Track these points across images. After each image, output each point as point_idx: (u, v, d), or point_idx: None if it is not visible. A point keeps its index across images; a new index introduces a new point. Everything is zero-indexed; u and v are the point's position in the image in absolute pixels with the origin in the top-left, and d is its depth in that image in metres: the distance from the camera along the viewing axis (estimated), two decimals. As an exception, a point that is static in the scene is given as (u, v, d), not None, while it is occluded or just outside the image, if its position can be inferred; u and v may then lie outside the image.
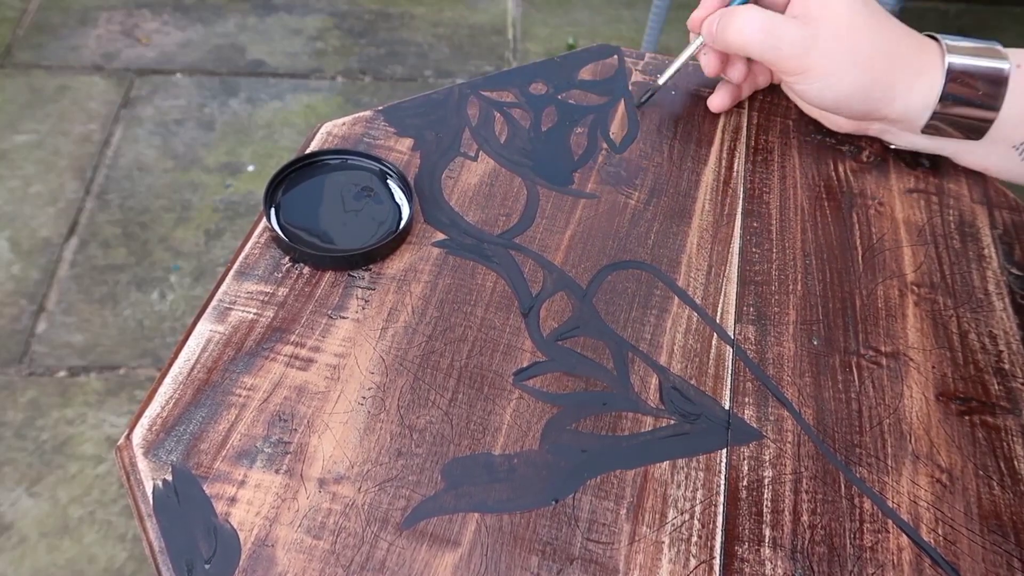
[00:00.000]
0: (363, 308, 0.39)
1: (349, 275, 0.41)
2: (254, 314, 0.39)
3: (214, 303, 0.39)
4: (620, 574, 0.32)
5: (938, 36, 0.44)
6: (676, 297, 0.41)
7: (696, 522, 0.33)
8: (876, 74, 0.42)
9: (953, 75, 0.42)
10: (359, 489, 0.33)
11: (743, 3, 0.46)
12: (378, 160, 0.45)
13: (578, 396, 0.37)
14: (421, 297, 0.40)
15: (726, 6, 0.47)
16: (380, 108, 0.49)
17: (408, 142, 0.47)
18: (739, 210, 0.45)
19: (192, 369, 0.36)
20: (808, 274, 0.43)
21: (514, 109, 0.50)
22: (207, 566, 0.31)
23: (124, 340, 1.22)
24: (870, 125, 0.48)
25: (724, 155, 0.48)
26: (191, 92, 1.60)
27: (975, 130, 0.44)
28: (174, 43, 1.70)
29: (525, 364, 0.38)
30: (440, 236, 0.43)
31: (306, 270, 0.41)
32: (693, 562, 0.32)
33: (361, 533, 0.32)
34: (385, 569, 0.31)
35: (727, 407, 0.37)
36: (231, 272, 0.40)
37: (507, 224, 0.43)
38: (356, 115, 0.49)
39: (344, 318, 0.39)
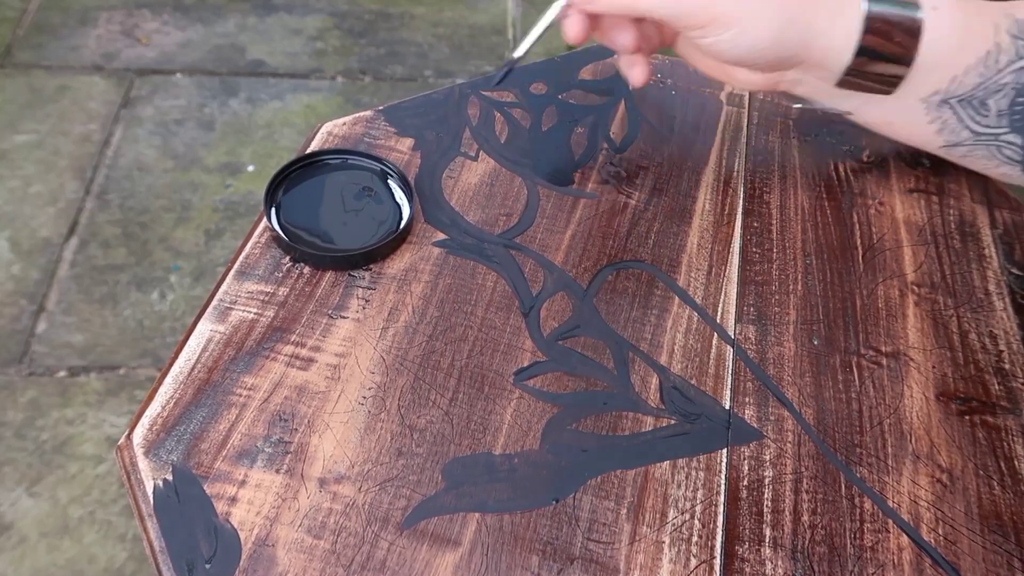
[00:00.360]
0: (363, 308, 0.39)
1: (349, 275, 0.41)
2: (255, 314, 0.39)
3: (215, 303, 0.39)
4: (620, 574, 0.32)
5: None
6: (676, 297, 0.41)
7: (696, 522, 0.33)
8: (792, 12, 0.38)
9: (872, 20, 0.38)
10: (360, 489, 0.33)
11: None
12: (379, 160, 0.45)
13: (578, 396, 0.37)
14: (421, 297, 0.40)
15: None
16: (380, 108, 0.49)
17: (408, 142, 0.47)
18: (739, 210, 0.45)
19: (193, 369, 0.36)
20: (808, 274, 0.43)
21: (514, 109, 0.50)
22: (208, 566, 0.31)
23: (124, 340, 1.22)
24: (783, 76, 0.43)
25: (724, 155, 0.48)
26: (191, 92, 1.60)
27: (889, 83, 0.41)
28: (174, 43, 1.70)
29: (525, 364, 0.38)
30: (440, 236, 0.43)
31: (306, 270, 0.41)
32: (693, 562, 0.32)
33: (362, 533, 0.32)
34: (386, 569, 0.31)
35: (727, 407, 0.37)
36: (231, 272, 0.40)
37: (507, 224, 0.43)
38: (356, 115, 0.49)
39: (344, 318, 0.39)
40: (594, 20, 0.41)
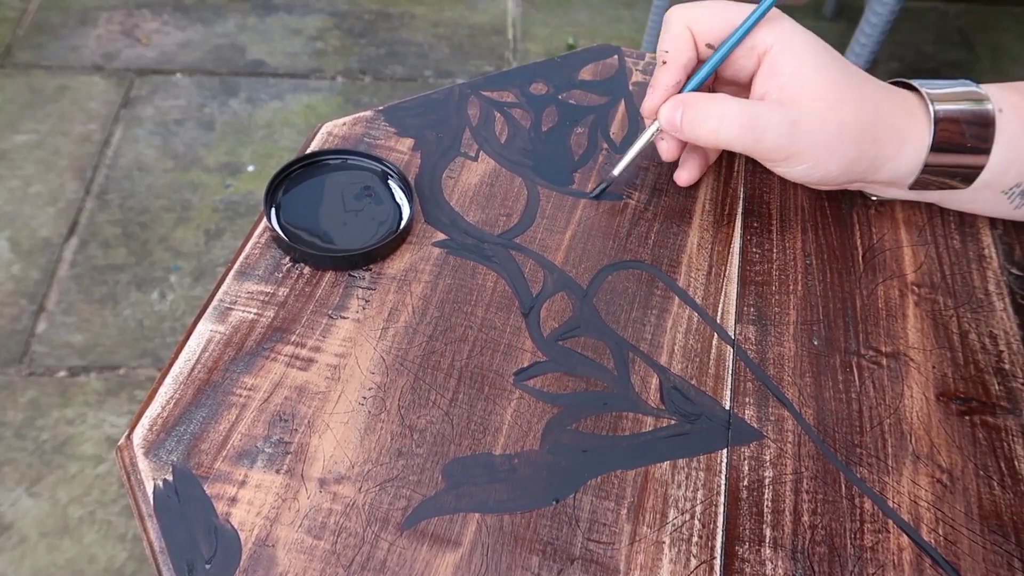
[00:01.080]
0: (363, 308, 0.39)
1: (349, 275, 0.41)
2: (254, 314, 0.39)
3: (214, 303, 0.39)
4: (621, 574, 0.32)
5: (915, 84, 0.42)
6: (676, 297, 0.41)
7: (697, 522, 0.33)
8: (863, 149, 0.40)
9: (941, 125, 0.40)
10: (360, 489, 0.33)
11: (700, 83, 0.42)
12: (379, 160, 0.45)
13: (578, 396, 0.37)
14: (421, 297, 0.40)
15: (680, 89, 0.42)
16: (380, 108, 0.49)
17: (408, 142, 0.47)
18: (739, 210, 0.45)
19: (192, 369, 0.36)
20: (808, 274, 0.43)
21: (514, 109, 0.50)
22: (208, 566, 0.31)
23: (124, 340, 1.22)
24: (853, 185, 0.45)
25: (724, 155, 0.48)
26: (191, 92, 1.60)
27: (965, 178, 0.42)
28: (174, 43, 1.70)
29: (525, 364, 0.38)
30: (440, 236, 0.43)
31: (306, 270, 0.41)
32: (694, 562, 0.32)
33: (362, 533, 0.32)
34: (386, 569, 0.31)
35: (728, 407, 0.37)
36: (231, 272, 0.40)
37: (507, 224, 0.43)
38: (356, 115, 0.49)
39: (344, 318, 0.39)
40: (683, 142, 0.44)
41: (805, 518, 0.34)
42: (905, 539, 0.33)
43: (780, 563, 0.32)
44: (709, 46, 0.42)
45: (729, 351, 0.39)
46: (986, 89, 0.41)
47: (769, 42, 0.40)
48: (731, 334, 0.40)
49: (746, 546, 0.33)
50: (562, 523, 0.33)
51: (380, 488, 0.33)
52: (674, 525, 0.33)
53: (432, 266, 0.41)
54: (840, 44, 1.61)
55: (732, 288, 0.42)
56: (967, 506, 0.34)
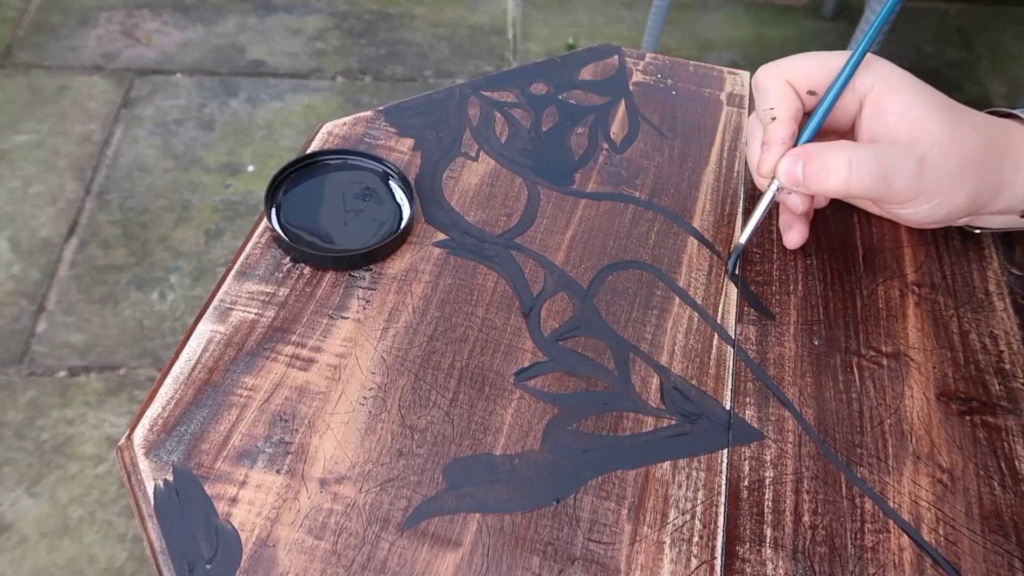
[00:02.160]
0: (364, 308, 0.39)
1: (350, 275, 0.41)
2: (255, 314, 0.39)
3: (215, 303, 0.39)
4: (621, 574, 0.32)
5: (1015, 112, 0.41)
6: (677, 297, 0.41)
7: (697, 522, 0.33)
8: (984, 178, 0.39)
9: None
10: (360, 489, 0.33)
11: (815, 132, 0.40)
12: (379, 160, 0.45)
13: (579, 396, 0.37)
14: (422, 297, 0.40)
15: (794, 142, 0.40)
16: (381, 108, 0.49)
17: (409, 142, 0.47)
18: (740, 210, 0.45)
19: (193, 369, 0.36)
20: (809, 274, 0.43)
21: (515, 109, 0.50)
22: (208, 566, 0.31)
23: (124, 340, 1.22)
24: (963, 219, 0.44)
25: (725, 155, 0.48)
26: (191, 92, 1.60)
27: None
28: (174, 43, 1.70)
29: (526, 364, 0.38)
30: (441, 236, 0.43)
31: (307, 270, 0.41)
32: (694, 562, 0.32)
33: (362, 533, 0.32)
34: (386, 569, 0.31)
35: (728, 407, 0.37)
36: (232, 272, 0.40)
37: (508, 224, 0.43)
38: (357, 115, 0.49)
39: (345, 318, 0.39)
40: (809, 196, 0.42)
41: (806, 518, 0.34)
42: (906, 539, 0.33)
43: (781, 563, 0.32)
44: (811, 92, 0.41)
45: (730, 351, 0.39)
46: None
47: (868, 84, 0.40)
48: (732, 334, 0.40)
49: (747, 546, 0.33)
50: (563, 523, 0.33)
51: (381, 488, 0.33)
52: (675, 525, 0.33)
53: (433, 266, 0.41)
54: (840, 44, 1.61)
55: (732, 288, 0.42)
56: (968, 506, 0.34)
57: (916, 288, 0.42)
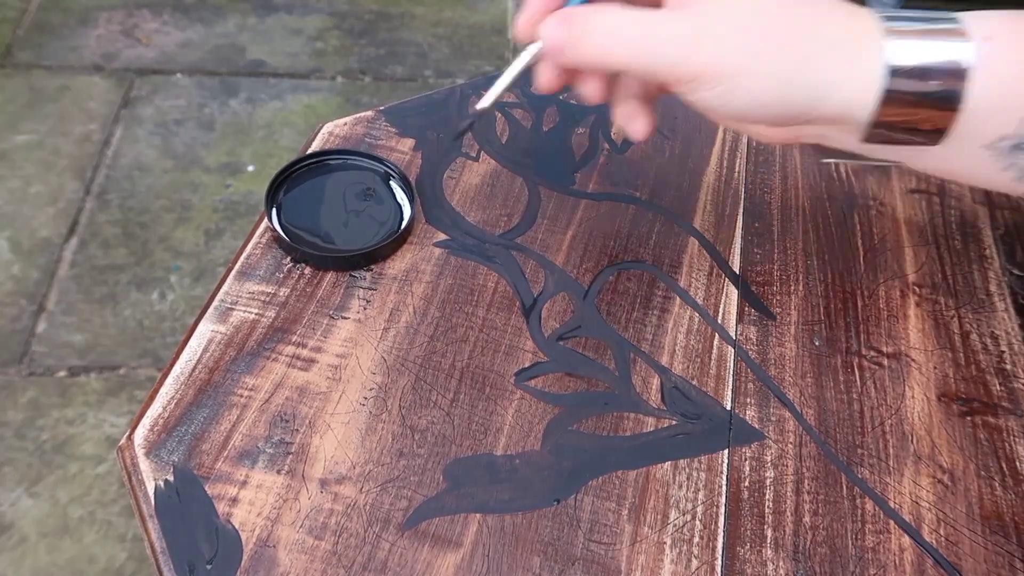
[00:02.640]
0: (364, 308, 0.39)
1: (351, 275, 0.40)
2: (255, 314, 0.39)
3: (215, 303, 0.39)
4: (622, 575, 0.32)
5: (870, 11, 0.33)
6: (678, 297, 0.41)
7: (698, 523, 0.33)
8: (793, 65, 0.31)
9: (897, 70, 0.31)
10: (361, 489, 0.33)
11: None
12: (380, 160, 0.45)
13: (580, 396, 0.37)
14: (423, 297, 0.40)
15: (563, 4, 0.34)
16: (381, 108, 0.49)
17: (409, 142, 0.47)
18: (740, 210, 0.45)
19: (194, 369, 0.36)
20: (809, 274, 0.42)
21: (515, 109, 0.50)
22: (209, 567, 0.31)
23: (124, 340, 1.22)
24: (801, 131, 0.37)
25: (725, 155, 0.48)
26: (191, 92, 1.60)
27: (931, 136, 0.33)
28: (174, 43, 1.70)
29: (527, 364, 0.38)
30: (441, 236, 0.43)
31: (307, 270, 0.41)
32: (695, 563, 0.32)
33: (363, 534, 0.32)
34: (387, 570, 0.31)
35: (729, 408, 0.37)
36: (232, 272, 0.40)
37: (508, 224, 0.43)
38: (357, 115, 0.49)
39: (346, 318, 0.39)
40: (567, 70, 0.36)
41: (806, 519, 0.34)
42: (906, 540, 0.33)
43: (781, 564, 0.32)
44: None
45: (730, 351, 0.39)
46: (972, 22, 0.32)
47: None
48: (732, 334, 0.40)
49: (747, 547, 0.33)
50: (563, 524, 0.33)
51: (381, 488, 0.33)
52: (675, 526, 0.33)
53: (433, 266, 0.41)
54: (840, 44, 1.61)
55: (733, 288, 0.42)
56: (968, 506, 0.34)
57: (917, 288, 0.42)
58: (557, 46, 0.33)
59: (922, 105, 0.32)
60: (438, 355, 0.38)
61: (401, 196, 0.44)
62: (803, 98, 0.32)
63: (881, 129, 0.33)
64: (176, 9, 1.78)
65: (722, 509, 0.34)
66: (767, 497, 0.34)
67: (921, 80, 0.31)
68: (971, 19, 0.32)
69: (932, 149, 0.34)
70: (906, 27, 0.32)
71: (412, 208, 0.42)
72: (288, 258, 0.41)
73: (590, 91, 0.36)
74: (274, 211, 0.42)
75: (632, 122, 0.37)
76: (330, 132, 0.47)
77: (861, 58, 0.31)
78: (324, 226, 0.42)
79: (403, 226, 0.42)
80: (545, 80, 0.35)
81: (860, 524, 0.34)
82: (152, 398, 0.35)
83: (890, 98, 0.31)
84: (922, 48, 0.31)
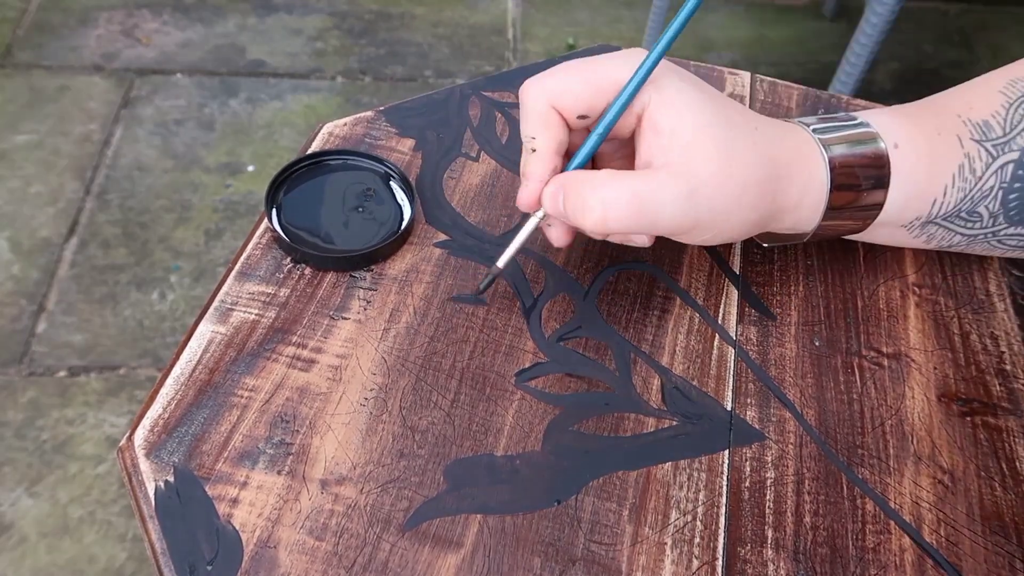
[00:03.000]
0: (365, 309, 0.39)
1: (351, 276, 0.40)
2: (256, 315, 0.39)
3: (215, 304, 0.39)
4: (623, 575, 0.32)
5: (807, 125, 0.38)
6: (678, 298, 0.41)
7: (699, 523, 0.33)
8: (763, 206, 0.36)
9: (836, 171, 0.37)
10: (361, 490, 0.33)
11: (583, 163, 0.37)
12: (380, 160, 0.45)
13: (580, 397, 0.37)
14: (423, 298, 0.40)
15: (561, 168, 0.37)
16: (381, 108, 0.49)
17: (409, 143, 0.47)
18: (741, 211, 0.45)
19: (194, 370, 0.36)
20: (810, 275, 0.43)
21: (515, 109, 0.50)
22: (209, 567, 0.31)
23: (124, 340, 1.22)
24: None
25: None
26: (191, 92, 1.60)
27: (863, 219, 0.39)
28: (174, 43, 1.70)
29: (527, 365, 0.38)
30: (442, 237, 0.43)
31: (308, 271, 0.41)
32: (696, 563, 0.32)
33: (363, 534, 0.32)
34: (387, 570, 0.31)
35: (729, 408, 0.37)
36: (232, 273, 0.40)
37: (509, 224, 0.43)
38: (357, 115, 0.49)
39: (346, 319, 0.39)
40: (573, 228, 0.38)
41: (807, 519, 0.34)
42: (907, 540, 0.33)
43: (782, 564, 0.32)
44: (582, 117, 0.37)
45: (731, 352, 0.39)
46: (877, 122, 0.38)
47: (644, 99, 0.35)
48: (732, 335, 0.40)
49: (748, 547, 0.33)
50: (564, 524, 0.33)
51: (382, 489, 0.33)
52: (676, 526, 0.33)
53: (433, 267, 0.41)
54: (840, 44, 1.61)
55: (733, 289, 0.42)
56: (969, 507, 0.34)
57: (917, 289, 0.42)
58: (561, 214, 0.36)
59: (855, 211, 0.38)
60: (438, 356, 0.38)
61: (401, 196, 0.44)
62: (765, 224, 0.38)
63: (825, 225, 0.39)
64: (176, 9, 1.78)
65: (723, 509, 0.34)
66: (768, 497, 0.34)
67: (856, 191, 0.38)
68: (875, 123, 0.38)
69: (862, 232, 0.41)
70: (836, 137, 0.38)
71: (412, 208, 0.42)
72: (288, 258, 0.41)
73: (557, 238, 0.38)
74: (274, 211, 0.42)
75: (551, 230, 0.39)
76: (330, 132, 0.47)
77: (812, 186, 0.37)
78: (324, 226, 0.42)
79: (403, 226, 0.42)
80: (556, 238, 0.38)
81: (860, 524, 0.34)
82: (152, 399, 0.35)
83: (831, 213, 0.38)
84: (854, 155, 0.37)
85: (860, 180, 0.37)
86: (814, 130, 0.38)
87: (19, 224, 1.35)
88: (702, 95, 0.36)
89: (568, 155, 0.38)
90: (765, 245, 0.44)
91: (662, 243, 0.43)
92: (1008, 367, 0.39)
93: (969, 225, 0.39)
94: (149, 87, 1.60)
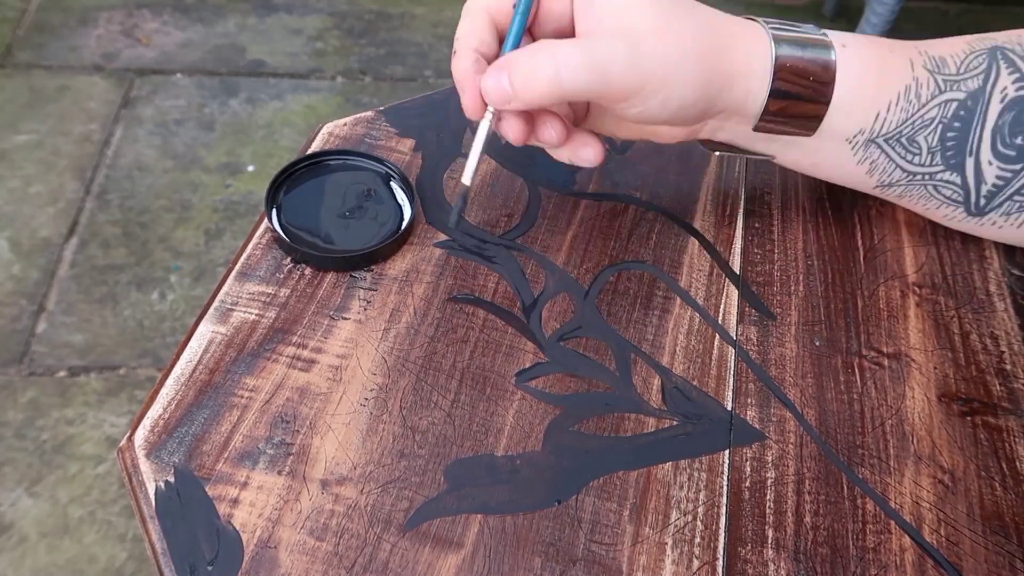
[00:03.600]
0: (365, 309, 0.39)
1: (351, 276, 0.40)
2: (256, 315, 0.39)
3: (216, 304, 0.39)
4: (623, 575, 0.32)
5: (758, 20, 0.38)
6: (678, 298, 0.41)
7: (699, 523, 0.33)
8: (713, 62, 0.36)
9: (781, 67, 0.36)
10: (362, 490, 0.33)
11: (516, 43, 0.37)
12: (380, 161, 0.45)
13: (580, 397, 0.37)
14: (423, 298, 0.40)
15: (493, 58, 0.37)
16: (381, 108, 0.49)
17: (409, 143, 0.47)
18: (740, 210, 0.45)
19: (194, 370, 0.36)
20: (810, 275, 0.43)
21: (515, 110, 0.50)
22: (210, 568, 0.31)
23: (124, 340, 1.22)
24: (703, 126, 0.41)
25: (725, 155, 0.48)
26: (191, 92, 1.60)
27: (807, 126, 0.38)
28: (174, 43, 1.70)
29: (527, 365, 0.38)
30: (442, 237, 0.43)
31: (308, 271, 0.41)
32: (696, 563, 0.32)
33: (364, 535, 0.32)
34: (388, 571, 0.31)
35: (729, 408, 0.37)
36: (233, 273, 0.40)
37: (509, 225, 0.43)
38: (357, 115, 0.49)
39: (346, 319, 0.39)
40: (529, 117, 0.38)
41: (807, 519, 0.34)
42: (907, 540, 0.33)
43: (783, 564, 0.32)
44: (516, 5, 0.37)
45: (731, 352, 0.39)
46: (832, 34, 0.38)
47: None
48: (733, 335, 0.40)
49: (748, 547, 0.33)
50: (564, 524, 0.33)
51: (382, 489, 0.33)
52: (676, 526, 0.33)
53: (433, 267, 0.41)
54: (840, 44, 1.61)
55: (733, 289, 0.42)
56: (969, 507, 0.34)
57: (917, 289, 0.42)
58: (505, 96, 0.35)
59: (801, 97, 0.37)
60: (439, 356, 0.38)
61: (401, 197, 0.44)
62: (717, 92, 0.37)
63: (769, 118, 0.38)
64: (176, 9, 1.78)
65: (723, 509, 0.34)
66: (768, 497, 0.34)
67: (801, 76, 0.37)
68: (831, 33, 0.38)
69: (805, 142, 0.40)
70: (786, 33, 0.37)
71: (412, 209, 0.42)
72: (288, 258, 0.41)
73: (548, 136, 0.38)
74: (274, 212, 0.42)
75: (584, 150, 0.39)
76: (330, 132, 0.47)
77: (757, 53, 0.37)
78: (324, 227, 0.42)
79: (403, 227, 0.42)
80: (514, 133, 0.37)
81: (861, 524, 0.34)
82: (152, 399, 0.35)
83: (777, 90, 0.37)
84: (800, 48, 0.37)
85: (806, 75, 0.37)
86: (767, 24, 0.38)
87: (19, 224, 1.35)
88: None
89: None
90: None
91: (662, 243, 0.43)
92: (1008, 367, 0.39)
93: (909, 156, 0.39)
94: (149, 87, 1.60)
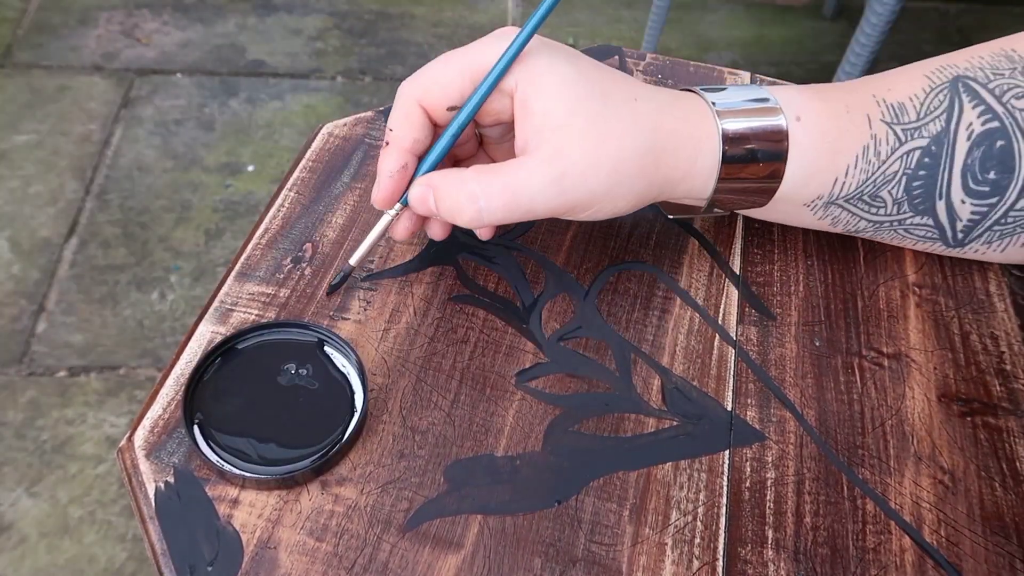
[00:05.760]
0: (365, 309, 0.39)
1: (351, 276, 0.40)
2: (256, 315, 0.39)
3: (215, 304, 0.39)
4: (623, 575, 0.32)
5: (703, 93, 0.37)
6: (678, 298, 0.41)
7: (699, 523, 0.33)
8: (647, 176, 0.35)
9: (729, 143, 0.36)
10: (361, 491, 0.33)
11: (437, 160, 0.36)
12: (304, 326, 0.36)
13: (580, 397, 0.37)
14: (423, 298, 0.40)
15: (424, 153, 0.37)
16: (381, 109, 0.49)
17: (409, 143, 0.47)
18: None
19: (194, 370, 0.36)
20: (810, 275, 0.43)
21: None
22: (209, 568, 0.31)
23: (124, 340, 1.22)
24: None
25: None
26: (191, 92, 1.60)
27: (758, 202, 0.39)
28: (174, 43, 1.70)
29: (527, 365, 0.38)
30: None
31: (308, 271, 0.41)
32: (696, 564, 0.32)
33: (364, 535, 0.32)
34: (388, 571, 0.31)
35: (729, 408, 0.37)
36: (232, 273, 0.40)
37: (508, 225, 0.43)
38: (357, 116, 0.49)
39: (346, 319, 0.39)
40: (421, 218, 0.38)
41: (807, 519, 0.34)
42: (907, 540, 0.33)
43: (783, 564, 0.32)
44: (452, 109, 0.36)
45: (731, 352, 0.39)
46: (784, 96, 0.37)
47: (513, 81, 0.35)
48: (733, 335, 0.40)
49: (748, 547, 0.33)
50: (564, 525, 0.33)
51: (382, 490, 0.33)
52: (676, 527, 0.33)
53: (433, 267, 0.41)
54: (840, 44, 1.61)
55: (733, 289, 0.42)
56: (969, 507, 0.34)
57: (917, 289, 0.42)
58: (431, 212, 0.36)
59: (752, 184, 0.37)
60: (438, 356, 0.38)
61: (343, 364, 0.35)
62: (657, 194, 0.37)
63: (720, 197, 0.38)
64: (176, 9, 1.78)
65: (723, 510, 0.34)
66: (768, 498, 0.34)
67: (751, 163, 0.36)
68: (781, 97, 0.37)
69: (763, 208, 0.39)
70: (733, 108, 0.36)
71: (364, 384, 0.34)
72: (288, 259, 0.41)
73: (405, 231, 0.39)
74: (196, 429, 0.33)
75: (434, 226, 0.39)
76: (330, 132, 0.47)
77: (702, 153, 0.36)
78: (262, 432, 0.33)
79: (357, 415, 0.34)
80: (402, 231, 0.38)
81: (861, 525, 0.34)
82: (152, 399, 0.35)
83: (725, 184, 0.37)
84: (750, 128, 0.36)
85: (755, 151, 0.36)
86: (713, 101, 0.37)
87: (19, 224, 1.35)
88: (573, 69, 0.35)
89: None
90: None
91: (662, 243, 0.43)
92: (1008, 367, 0.39)
93: (873, 210, 0.38)
94: (149, 87, 1.60)
